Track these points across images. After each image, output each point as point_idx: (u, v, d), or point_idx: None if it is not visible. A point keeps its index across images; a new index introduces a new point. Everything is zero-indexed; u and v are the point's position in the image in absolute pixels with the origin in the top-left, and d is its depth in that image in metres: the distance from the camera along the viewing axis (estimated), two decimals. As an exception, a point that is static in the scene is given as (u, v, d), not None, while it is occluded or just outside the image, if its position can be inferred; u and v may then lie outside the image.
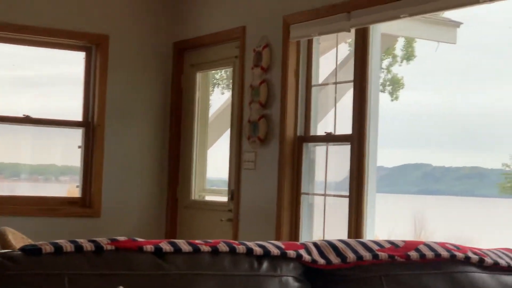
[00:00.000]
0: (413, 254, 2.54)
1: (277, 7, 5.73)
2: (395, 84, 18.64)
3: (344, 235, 5.04)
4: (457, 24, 6.17)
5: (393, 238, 2.76)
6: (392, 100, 18.91)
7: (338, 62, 5.57)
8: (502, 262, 2.65)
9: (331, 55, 5.58)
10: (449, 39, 6.20)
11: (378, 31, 5.09)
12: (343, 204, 5.15)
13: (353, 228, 5.00)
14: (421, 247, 2.57)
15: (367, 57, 5.04)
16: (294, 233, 5.51)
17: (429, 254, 2.56)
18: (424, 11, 4.75)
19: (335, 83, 5.47)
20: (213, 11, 6.47)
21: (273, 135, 5.68)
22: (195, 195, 6.74)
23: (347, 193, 5.13)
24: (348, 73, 5.24)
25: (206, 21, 6.54)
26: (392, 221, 21.92)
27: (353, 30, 5.09)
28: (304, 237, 5.45)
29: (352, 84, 5.17)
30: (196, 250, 2.26)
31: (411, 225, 21.52)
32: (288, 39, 5.56)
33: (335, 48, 5.51)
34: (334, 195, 5.38)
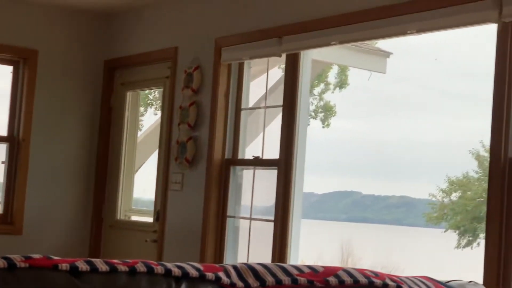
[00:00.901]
0: (332, 279, 2.54)
1: (209, 29, 5.73)
2: (327, 111, 18.85)
3: (268, 259, 5.03)
4: (387, 54, 6.28)
5: (320, 263, 2.76)
6: (323, 127, 19.10)
7: (270, 87, 5.60)
8: (418, 291, 2.66)
9: (263, 79, 5.60)
10: (379, 68, 6.30)
11: (309, 57, 5.14)
12: (269, 229, 5.15)
13: (277, 253, 5.01)
14: (340, 273, 2.57)
15: (297, 83, 5.07)
16: (218, 256, 5.49)
17: (348, 280, 2.56)
18: (353, 40, 4.82)
19: (265, 107, 5.49)
20: (146, 31, 6.44)
21: (201, 157, 5.67)
22: (120, 214, 6.67)
23: (273, 218, 5.13)
24: (279, 97, 5.27)
25: (138, 40, 6.51)
26: (320, 248, 22.07)
27: (284, 55, 5.13)
28: (228, 260, 5.43)
29: (281, 108, 5.19)
30: (113, 269, 2.22)
31: (338, 251, 21.69)
32: (220, 62, 5.57)
33: (271, 71, 5.55)
34: (260, 219, 5.39)
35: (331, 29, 4.73)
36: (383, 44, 6.58)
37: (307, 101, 5.16)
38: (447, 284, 2.81)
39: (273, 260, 4.98)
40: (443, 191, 21.31)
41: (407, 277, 2.74)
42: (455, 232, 21.16)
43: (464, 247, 20.57)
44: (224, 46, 5.56)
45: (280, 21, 5.11)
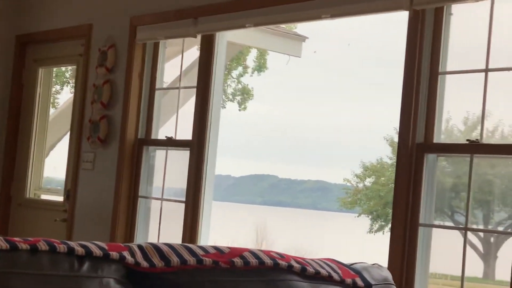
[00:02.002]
0: (237, 260, 2.55)
1: (125, 8, 5.67)
2: (245, 95, 18.89)
3: (179, 241, 5.03)
4: (302, 38, 6.32)
5: (235, 246, 2.78)
6: (240, 110, 19.13)
7: (186, 67, 5.58)
8: (323, 272, 2.70)
9: (179, 60, 5.57)
10: (295, 52, 6.34)
11: (225, 39, 5.13)
12: (180, 210, 5.15)
13: (187, 234, 5.01)
14: (246, 254, 2.58)
15: (211, 64, 5.07)
16: (129, 237, 5.45)
17: (253, 261, 2.57)
18: (268, 22, 4.84)
19: (179, 88, 5.47)
20: (60, 6, 6.33)
21: (114, 136, 5.61)
22: (30, 193, 6.55)
23: (185, 199, 5.12)
24: (194, 78, 5.25)
25: (52, 16, 6.39)
26: (235, 230, 22.16)
27: (199, 36, 5.11)
28: (139, 240, 5.40)
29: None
30: (14, 247, 2.18)
31: (253, 234, 21.83)
32: (134, 41, 5.51)
33: (187, 52, 5.52)
34: (172, 200, 5.37)
35: (247, 11, 4.73)
36: (300, 28, 6.62)
37: (221, 83, 5.16)
38: (352, 266, 2.86)
39: (183, 241, 4.97)
40: (357, 176, 21.65)
41: (312, 259, 2.78)
42: (368, 217, 21.54)
43: (376, 231, 20.97)
44: (139, 25, 5.50)
45: (196, 2, 5.09)
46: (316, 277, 2.67)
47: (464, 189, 4.01)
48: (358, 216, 22.02)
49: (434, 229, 4.02)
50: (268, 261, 2.59)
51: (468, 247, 4.19)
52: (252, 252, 2.59)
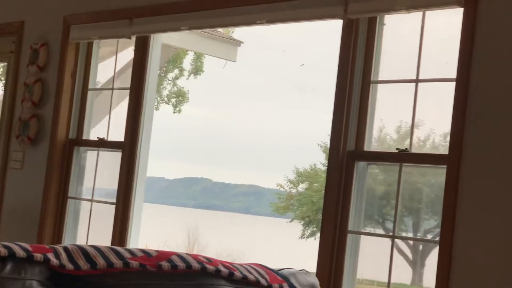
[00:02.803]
0: (164, 264, 2.53)
1: (58, 6, 5.60)
2: (180, 97, 18.83)
3: (108, 243, 4.98)
4: (238, 43, 6.33)
5: (166, 249, 2.76)
6: (174, 113, 19.04)
7: (120, 68, 5.54)
8: (250, 277, 2.70)
9: (117, 60, 5.53)
10: (230, 56, 6.35)
11: (159, 41, 5.11)
12: (111, 211, 5.10)
13: (117, 236, 4.96)
14: (174, 257, 2.57)
15: (145, 66, 5.04)
16: (57, 238, 5.38)
17: (181, 265, 2.56)
18: (203, 26, 4.84)
19: (112, 89, 5.42)
20: (-8, 2, 6.21)
21: (44, 136, 5.53)
22: (-44, 192, 6.40)
23: (115, 201, 5.08)
24: (129, 80, 5.22)
25: (-17, 11, 6.27)
26: (167, 233, 22.04)
27: (134, 38, 5.08)
28: (67, 242, 5.33)
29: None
30: None
31: (185, 238, 21.75)
32: (68, 40, 5.45)
33: (122, 53, 5.48)
34: (102, 202, 5.32)
35: (182, 14, 4.73)
36: (238, 33, 6.63)
37: (154, 85, 5.13)
38: (279, 272, 2.86)
39: (113, 244, 4.93)
40: (291, 181, 21.73)
41: (240, 264, 2.78)
42: (300, 222, 21.62)
43: (308, 237, 21.09)
44: (73, 24, 5.44)
45: (132, 3, 5.06)
46: (244, 282, 2.67)
47: (394, 197, 4.07)
48: (290, 222, 22.12)
49: (363, 236, 4.07)
50: (195, 265, 2.58)
51: (397, 254, 4.25)
52: (179, 256, 2.58)
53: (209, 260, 2.66)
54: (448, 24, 3.88)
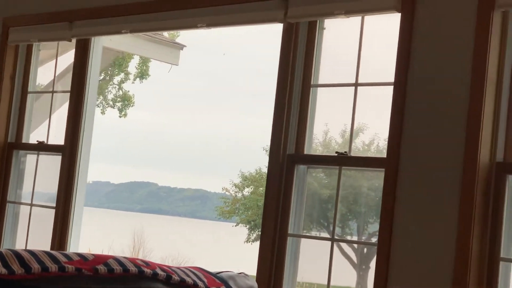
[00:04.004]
0: (101, 268, 2.51)
1: (-2, 8, 5.52)
2: (126, 101, 18.71)
3: (48, 247, 4.92)
4: (180, 47, 6.31)
5: (111, 253, 2.74)
6: (120, 117, 18.92)
7: (61, 71, 5.48)
8: (188, 280, 2.69)
9: (58, 63, 5.47)
10: (172, 60, 6.33)
11: (100, 44, 5.07)
12: (51, 216, 5.04)
13: (57, 241, 4.91)
14: (110, 261, 2.55)
15: (86, 69, 5.00)
16: (-5, 243, 5.30)
17: (118, 268, 2.54)
18: (144, 29, 4.82)
19: (52, 92, 5.37)
20: None
21: (-18, 139, 5.44)
22: None
23: (55, 205, 5.02)
24: (69, 83, 5.16)
25: None
26: (112, 238, 21.85)
27: (74, 40, 5.03)
28: (5, 247, 5.25)
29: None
30: None
31: (131, 242, 21.60)
32: (6, 42, 5.38)
33: (63, 56, 5.42)
34: (41, 206, 5.26)
35: (123, 17, 4.70)
36: (183, 36, 6.61)
37: (95, 88, 5.09)
38: (218, 275, 2.86)
39: (52, 248, 4.87)
40: (236, 186, 21.72)
41: (178, 268, 2.77)
42: (245, 226, 21.61)
43: (253, 241, 21.10)
44: (12, 27, 5.37)
45: (72, 5, 5.02)
46: (182, 285, 2.67)
47: (339, 201, 4.10)
48: (236, 226, 22.09)
49: (306, 239, 4.09)
50: (132, 268, 2.56)
51: (342, 257, 4.28)
52: (116, 260, 2.56)
53: (147, 264, 2.64)
54: (386, 28, 3.93)
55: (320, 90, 4.09)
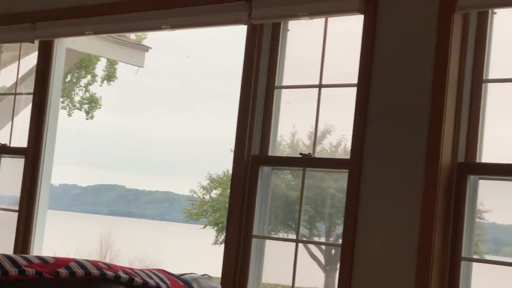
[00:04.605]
0: (62, 271, 2.49)
1: (-41, 9, 5.46)
2: (93, 103, 18.60)
3: (10, 251, 4.87)
4: (145, 48, 6.29)
5: (78, 257, 2.71)
6: (87, 119, 18.81)
7: (25, 73, 5.44)
8: (151, 282, 2.68)
9: (22, 64, 5.43)
10: (138, 62, 6.31)
11: (63, 45, 5.03)
12: (14, 219, 4.99)
13: (20, 244, 4.86)
14: (72, 264, 2.53)
15: (49, 71, 4.96)
16: (-42, 247, 5.24)
17: (79, 271, 2.52)
18: (108, 31, 4.80)
19: (15, 94, 5.32)
20: None
21: None
22: None
23: (18, 208, 4.98)
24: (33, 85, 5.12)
25: None
26: (79, 241, 21.72)
27: (37, 42, 4.99)
28: (-32, 252, 5.19)
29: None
30: None
31: (98, 245, 21.47)
32: (-32, 44, 5.33)
33: (26, 58, 5.38)
34: (4, 209, 5.21)
35: (86, 18, 4.67)
36: (150, 39, 6.59)
37: (59, 90, 5.05)
38: (181, 277, 2.86)
39: (15, 252, 4.82)
40: (204, 188, 21.68)
41: (141, 270, 2.76)
42: (213, 228, 21.58)
43: (221, 243, 21.07)
44: (-26, 28, 5.32)
45: (35, 6, 4.97)
46: (144, 287, 2.66)
47: (307, 202, 4.11)
48: (204, 228, 22.05)
49: (272, 241, 4.10)
50: (94, 271, 2.55)
51: (310, 259, 4.29)
52: (78, 262, 2.55)
53: (109, 266, 2.63)
54: (350, 30, 3.95)
55: (286, 91, 4.10)
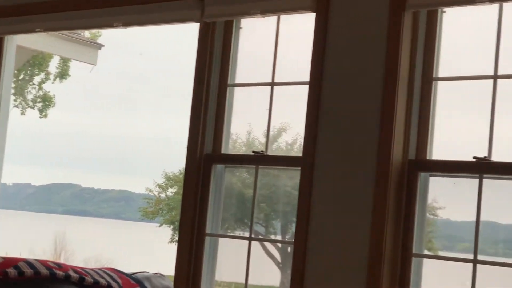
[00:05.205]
0: (11, 271, 2.47)
1: None
2: (46, 102, 18.40)
3: (-39, 251, 4.81)
4: (98, 46, 6.25)
5: (31, 257, 2.69)
6: (41, 118, 18.60)
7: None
8: (102, 282, 2.68)
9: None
10: (90, 60, 6.26)
11: (14, 43, 4.98)
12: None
13: (-30, 244, 4.80)
14: (21, 264, 2.52)
15: (-1, 68, 4.90)
16: None
17: (28, 271, 2.51)
18: (59, 28, 4.74)
19: (-35, 92, 5.24)
20: None
21: None
22: None
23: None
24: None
25: None
26: (33, 240, 21.49)
27: (-11, 39, 4.93)
28: None
29: (-17, 94, 4.99)
30: None
31: (52, 245, 21.27)
32: None
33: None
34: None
35: (37, 15, 4.62)
36: (105, 36, 6.54)
37: (9, 88, 4.99)
38: (133, 275, 2.85)
39: (-35, 252, 4.76)
40: (160, 186, 21.60)
41: (92, 269, 2.75)
42: (169, 227, 21.51)
43: (177, 241, 20.99)
44: None
45: (-16, 3, 4.91)
46: (95, 287, 2.65)
47: (263, 200, 4.12)
48: (159, 226, 21.95)
49: (227, 239, 4.10)
50: (44, 271, 2.53)
51: (266, 257, 4.30)
52: (27, 262, 2.53)
53: (59, 266, 2.61)
54: (302, 28, 3.96)
55: (239, 89, 4.10)
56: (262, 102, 4.05)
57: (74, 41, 6.04)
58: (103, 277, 2.71)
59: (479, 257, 3.28)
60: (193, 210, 4.02)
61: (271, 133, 4.06)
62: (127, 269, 2.92)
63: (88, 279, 2.64)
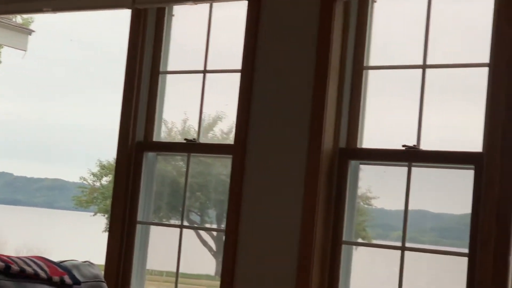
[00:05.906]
0: None
1: None
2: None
3: None
4: (28, 32, 6.14)
5: None
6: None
7: None
8: (29, 270, 2.64)
9: None
10: (20, 45, 6.15)
11: None
12: None
13: None
14: None
15: None
16: None
17: (-49, 261, 2.46)
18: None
19: None
20: None
21: None
22: None
23: None
24: None
25: None
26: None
27: None
28: None
29: None
30: None
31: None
32: None
33: None
34: None
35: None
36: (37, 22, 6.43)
37: None
38: (61, 264, 2.82)
39: None
40: (94, 175, 21.43)
41: (19, 257, 2.71)
42: (104, 216, 21.37)
43: (112, 230, 20.86)
44: None
45: None
46: (22, 275, 2.61)
47: (199, 189, 4.11)
48: (94, 215, 21.78)
49: (157, 227, 4.08)
50: (-31, 260, 2.49)
51: (201, 245, 4.29)
52: (-50, 252, 2.48)
53: (-16, 255, 2.57)
54: (235, 16, 3.96)
55: (175, 77, 4.08)
56: (197, 90, 4.04)
57: (4, 26, 5.93)
58: (29, 266, 2.67)
59: (408, 245, 3.33)
60: (124, 198, 3.99)
61: (206, 121, 4.05)
62: (60, 258, 2.89)
63: (14, 267, 2.60)
